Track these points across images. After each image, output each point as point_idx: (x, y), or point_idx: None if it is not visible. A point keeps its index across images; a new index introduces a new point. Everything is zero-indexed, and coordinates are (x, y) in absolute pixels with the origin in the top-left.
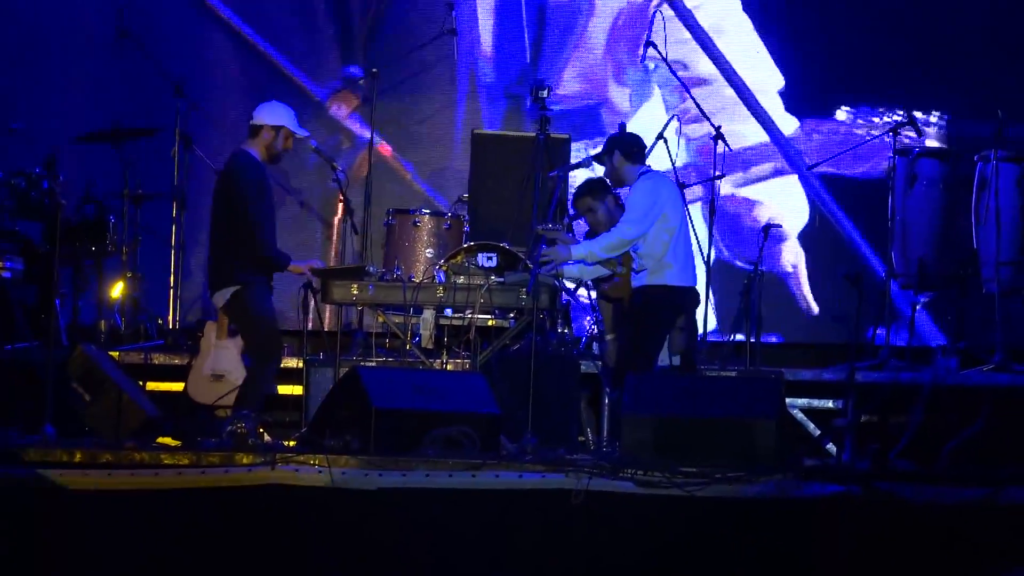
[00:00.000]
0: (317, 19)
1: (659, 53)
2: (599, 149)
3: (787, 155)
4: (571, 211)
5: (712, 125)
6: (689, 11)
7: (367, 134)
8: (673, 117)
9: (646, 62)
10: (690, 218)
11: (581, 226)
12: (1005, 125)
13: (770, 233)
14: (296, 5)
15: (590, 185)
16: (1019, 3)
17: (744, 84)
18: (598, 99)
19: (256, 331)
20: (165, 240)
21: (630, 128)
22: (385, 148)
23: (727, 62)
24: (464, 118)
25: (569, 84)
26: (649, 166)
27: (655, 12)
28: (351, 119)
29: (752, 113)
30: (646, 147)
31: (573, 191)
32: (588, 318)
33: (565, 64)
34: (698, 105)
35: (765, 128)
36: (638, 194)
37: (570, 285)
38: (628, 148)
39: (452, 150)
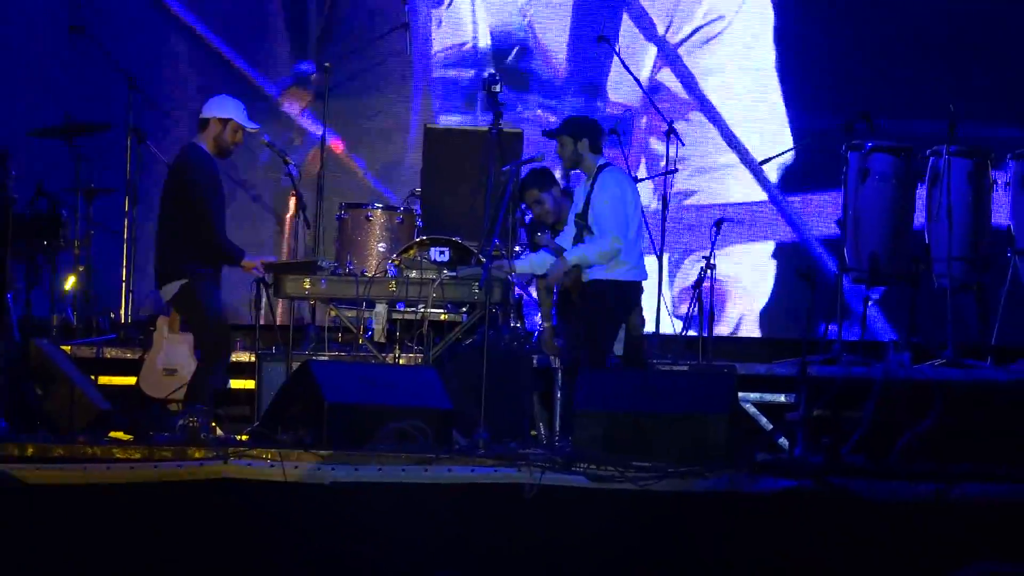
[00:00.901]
0: (269, 15)
1: (612, 48)
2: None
3: (738, 150)
4: (523, 207)
5: (665, 120)
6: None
7: (319, 130)
8: (621, 116)
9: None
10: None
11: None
12: (956, 121)
13: (722, 227)
14: (249, 1)
15: (535, 176)
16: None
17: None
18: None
19: (204, 325)
20: (117, 234)
21: None
22: (337, 143)
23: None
24: (417, 113)
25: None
26: (606, 159)
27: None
28: (303, 115)
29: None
30: (604, 134)
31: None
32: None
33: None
34: (652, 102)
35: (715, 124)
36: (615, 199)
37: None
38: (595, 137)
39: (405, 145)
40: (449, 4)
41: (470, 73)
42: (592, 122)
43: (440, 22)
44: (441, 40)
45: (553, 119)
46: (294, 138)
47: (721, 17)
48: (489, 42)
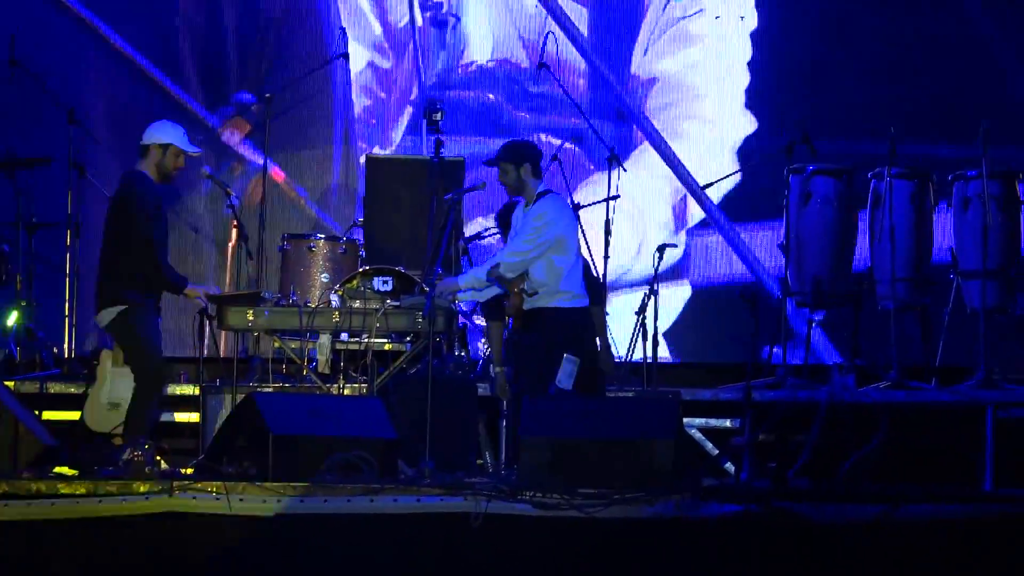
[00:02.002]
0: (208, 45)
1: (553, 76)
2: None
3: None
4: (465, 235)
5: (606, 147)
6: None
7: (260, 159)
8: (546, 38)
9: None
10: (585, 239)
11: (477, 248)
12: (897, 142)
13: (664, 252)
14: (188, 32)
15: (505, 152)
16: (910, 24)
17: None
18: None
19: (140, 353)
20: (60, 268)
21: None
22: (278, 173)
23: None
24: (358, 142)
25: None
26: (547, 186)
27: (547, 35)
28: (243, 144)
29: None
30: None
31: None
32: (484, 341)
33: (460, 85)
34: (592, 127)
35: (657, 150)
36: (543, 218)
37: (464, 307)
38: (536, 162)
39: (346, 174)
40: (455, 24)
41: (412, 101)
42: (532, 147)
43: (382, 51)
44: (382, 69)
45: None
46: (235, 167)
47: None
48: (438, 68)
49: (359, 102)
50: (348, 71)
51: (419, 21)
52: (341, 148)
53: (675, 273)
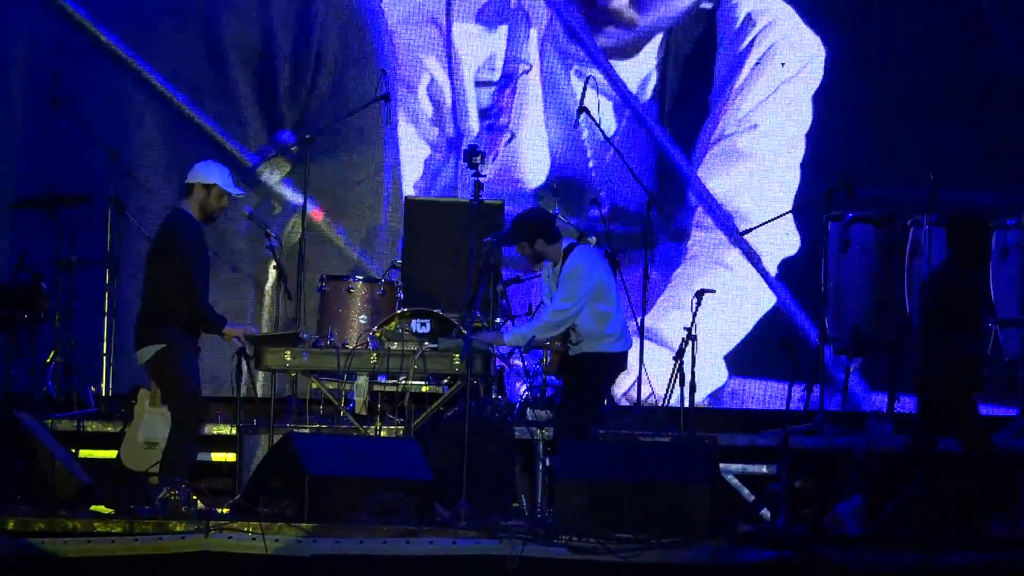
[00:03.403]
0: (249, 85)
1: (591, 118)
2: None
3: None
4: (504, 277)
5: (646, 190)
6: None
7: (299, 199)
8: (587, 82)
9: (579, 127)
10: (623, 284)
11: (515, 291)
12: (936, 189)
13: (703, 298)
14: (228, 71)
15: (514, 235)
16: (948, 70)
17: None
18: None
19: (177, 392)
20: (98, 307)
21: None
22: (318, 214)
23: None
24: (398, 184)
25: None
26: (571, 239)
27: (587, 80)
28: (284, 184)
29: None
30: (556, 220)
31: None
32: (521, 384)
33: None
34: (630, 169)
35: (696, 194)
36: (574, 275)
37: (503, 350)
38: (548, 231)
39: (385, 215)
40: (510, 140)
41: (452, 145)
42: (538, 216)
43: (419, 94)
44: (423, 111)
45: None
46: (274, 207)
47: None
48: (476, 115)
49: (403, 143)
50: (389, 113)
51: (474, 131)
52: (382, 189)
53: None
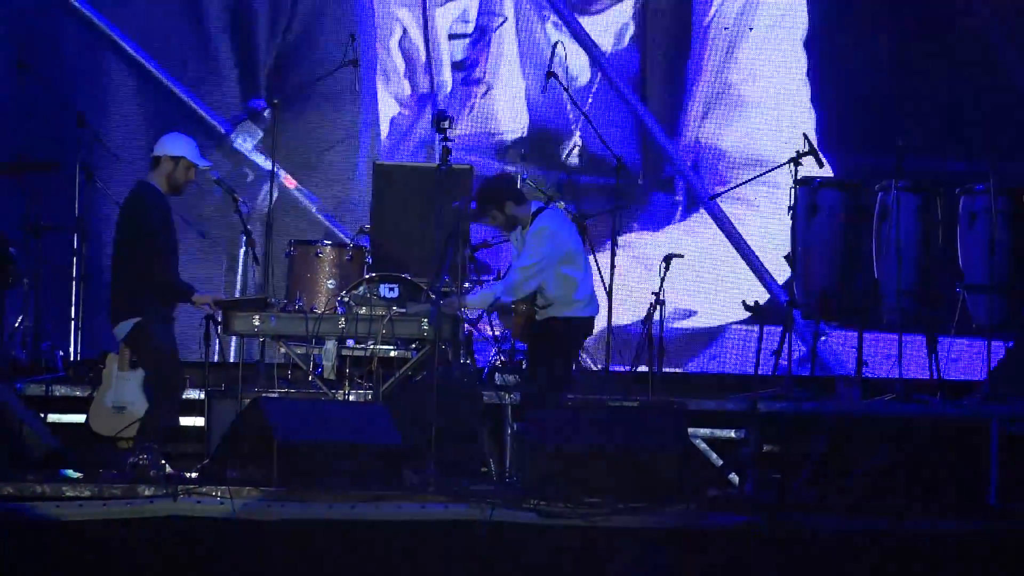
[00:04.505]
0: (220, 51)
1: (560, 83)
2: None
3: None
4: (472, 243)
5: (613, 155)
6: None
7: (270, 165)
8: (555, 47)
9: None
10: (591, 251)
11: (484, 255)
12: (904, 154)
13: (671, 262)
14: (199, 37)
15: (483, 204)
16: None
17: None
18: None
19: (157, 362)
20: (67, 272)
21: None
22: (290, 181)
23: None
24: (367, 149)
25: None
26: (539, 203)
27: (555, 44)
28: (255, 151)
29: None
30: (516, 181)
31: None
32: (491, 349)
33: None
34: (600, 137)
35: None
36: (538, 235)
37: (472, 315)
38: (513, 193)
39: (355, 181)
40: (485, 92)
41: (422, 110)
42: (498, 182)
43: (389, 55)
44: (393, 75)
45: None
46: (248, 174)
47: None
48: (450, 68)
49: (371, 108)
50: (357, 78)
51: (448, 84)
52: (351, 155)
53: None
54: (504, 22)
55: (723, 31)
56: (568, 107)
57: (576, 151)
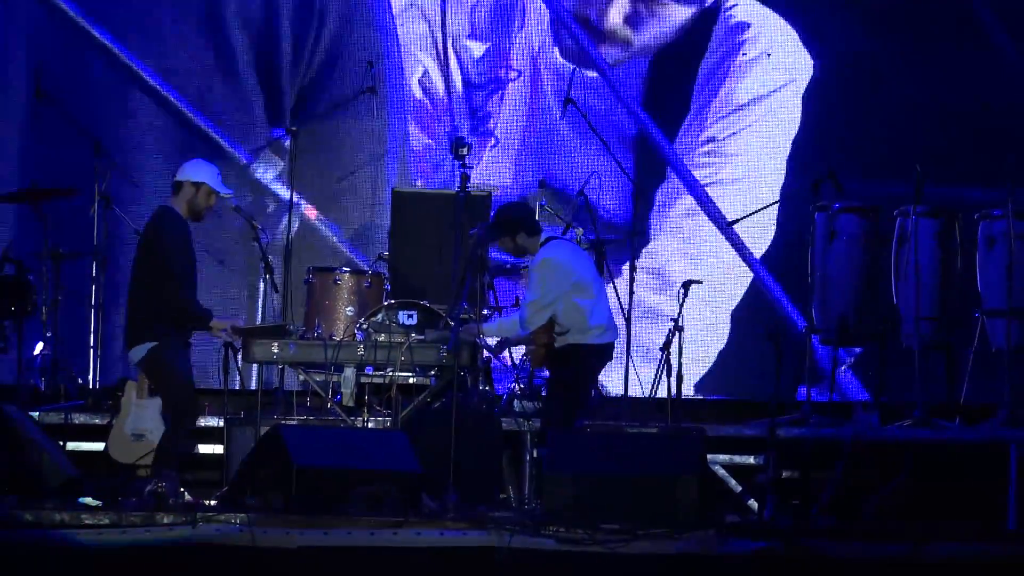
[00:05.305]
0: (241, 81)
1: (579, 109)
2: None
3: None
4: (491, 268)
5: (631, 180)
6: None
7: (293, 196)
8: (572, 74)
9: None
10: (609, 274)
11: (502, 283)
12: (926, 185)
13: (690, 289)
14: (220, 67)
15: (495, 231)
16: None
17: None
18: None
19: (172, 388)
20: (85, 300)
21: None
22: (311, 211)
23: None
24: (386, 176)
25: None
26: (552, 232)
27: (573, 72)
28: (276, 182)
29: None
30: (534, 212)
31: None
32: (510, 376)
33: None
34: (617, 162)
35: (686, 184)
36: (539, 268)
37: (491, 342)
38: (527, 223)
39: (374, 208)
40: (494, 146)
41: (440, 136)
42: (514, 211)
43: (411, 85)
44: (412, 103)
45: None
46: (268, 204)
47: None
48: (463, 106)
49: (391, 135)
50: (376, 105)
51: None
52: (370, 182)
53: (697, 308)
54: (518, 76)
55: (741, 56)
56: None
57: (583, 193)
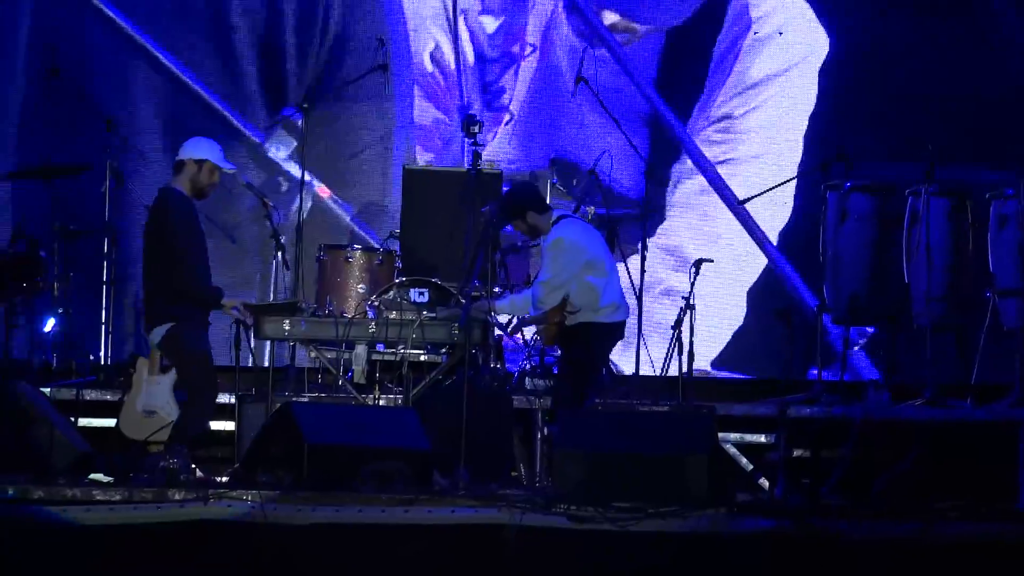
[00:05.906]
0: (254, 59)
1: (591, 88)
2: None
3: (718, 188)
4: (502, 247)
5: (642, 159)
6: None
7: (306, 177)
8: (584, 51)
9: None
10: (623, 255)
11: (514, 260)
12: (938, 167)
13: (704, 267)
14: (232, 47)
15: (504, 215)
16: (951, 48)
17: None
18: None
19: (191, 367)
20: (96, 276)
21: None
22: (324, 190)
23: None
24: (398, 153)
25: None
26: (563, 210)
27: (584, 50)
28: (289, 161)
29: (686, 149)
30: (539, 190)
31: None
32: (522, 354)
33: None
34: (629, 140)
35: (697, 164)
36: (552, 248)
37: (502, 319)
38: (535, 202)
39: (386, 186)
40: (509, 121)
41: (452, 114)
42: (521, 191)
43: (423, 63)
44: (423, 80)
45: None
46: (282, 184)
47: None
48: (475, 81)
49: (402, 113)
50: (387, 83)
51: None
52: (382, 159)
53: (708, 287)
54: (533, 52)
55: (752, 35)
56: (586, 134)
57: (595, 171)
